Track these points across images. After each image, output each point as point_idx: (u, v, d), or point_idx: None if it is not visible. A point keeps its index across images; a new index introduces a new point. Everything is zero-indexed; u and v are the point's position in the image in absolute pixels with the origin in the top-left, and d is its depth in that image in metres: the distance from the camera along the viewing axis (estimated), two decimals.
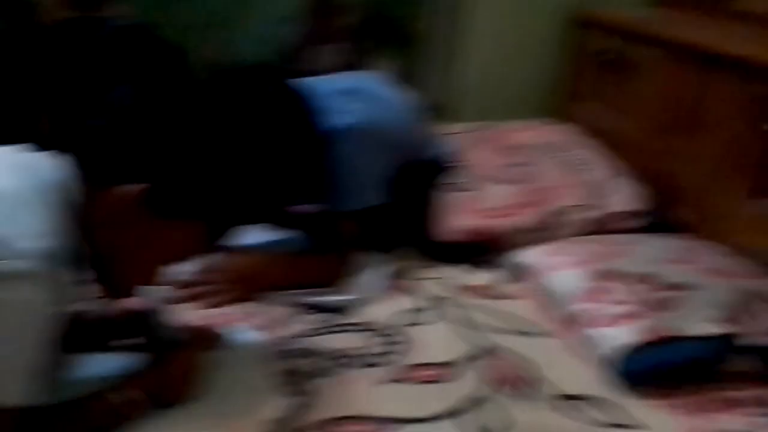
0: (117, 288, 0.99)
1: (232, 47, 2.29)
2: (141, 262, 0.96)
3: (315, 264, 1.42)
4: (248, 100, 1.20)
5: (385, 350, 1.23)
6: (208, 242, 1.02)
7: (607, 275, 1.35)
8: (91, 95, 1.33)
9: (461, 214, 1.61)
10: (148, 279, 1.00)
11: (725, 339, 1.18)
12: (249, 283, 1.36)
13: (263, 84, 1.23)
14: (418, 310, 1.37)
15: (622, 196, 1.67)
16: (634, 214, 1.63)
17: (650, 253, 1.45)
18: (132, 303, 1.11)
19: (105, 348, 1.11)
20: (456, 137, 1.94)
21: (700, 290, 1.27)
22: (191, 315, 1.27)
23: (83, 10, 2.11)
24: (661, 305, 1.25)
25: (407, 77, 2.31)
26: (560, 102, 2.31)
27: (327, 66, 2.30)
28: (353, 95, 1.43)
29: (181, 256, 1.02)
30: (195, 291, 1.34)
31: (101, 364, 1.06)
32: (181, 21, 2.25)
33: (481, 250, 1.57)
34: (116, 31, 1.45)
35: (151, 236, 0.95)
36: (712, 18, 1.84)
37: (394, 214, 1.52)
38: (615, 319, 1.25)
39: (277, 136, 1.20)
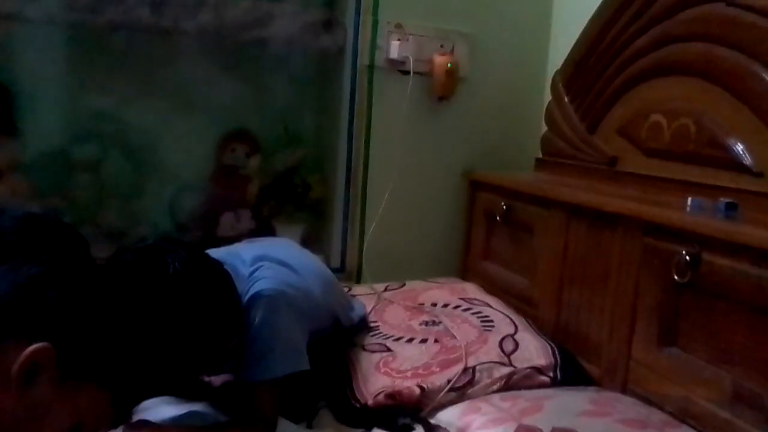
0: None
1: (135, 215, 2.27)
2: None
3: None
4: (164, 273, 1.20)
5: None
6: (116, 410, 0.96)
7: None
8: None
9: (376, 376, 1.60)
10: None
11: None
12: None
13: (179, 256, 1.23)
14: None
15: (530, 351, 1.71)
16: (543, 369, 1.66)
17: (564, 406, 1.46)
18: None
19: None
20: (365, 298, 1.96)
21: None
22: None
23: None
24: None
25: (312, 241, 2.35)
26: (462, 259, 2.39)
27: (231, 232, 2.32)
28: (264, 261, 1.44)
29: (86, 426, 0.95)
30: None
31: None
32: (81, 190, 2.23)
33: (399, 412, 1.54)
34: (13, 222, 1.42)
35: (53, 401, 0.88)
36: (592, 179, 1.98)
37: (310, 380, 1.49)
38: None
39: (194, 308, 1.21)
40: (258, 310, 1.36)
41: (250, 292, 1.37)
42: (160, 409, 1.48)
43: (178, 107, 2.33)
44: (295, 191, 2.42)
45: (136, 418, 1.43)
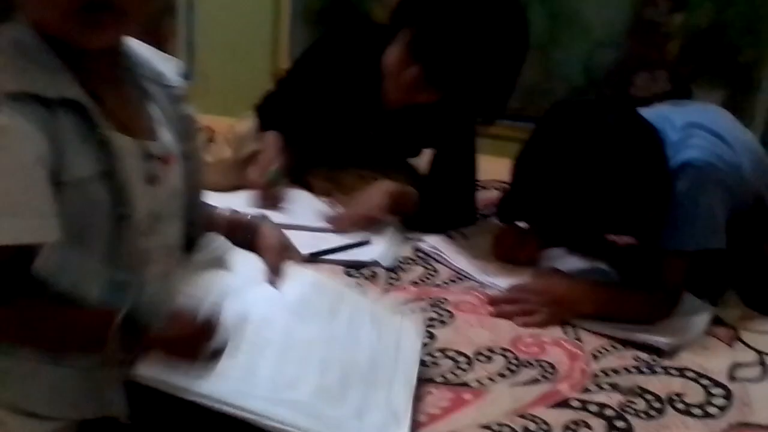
0: None
1: (550, 69, 2.30)
2: None
3: (635, 298, 1.38)
4: (600, 128, 1.24)
5: (706, 401, 1.17)
6: None
7: None
8: None
9: None
10: None
11: None
12: (564, 308, 1.36)
13: (615, 115, 1.25)
14: (744, 364, 1.27)
15: None
16: None
17: None
18: None
19: None
20: None
21: None
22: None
23: None
24: None
25: (732, 109, 2.16)
26: None
27: (645, 93, 2.24)
28: (696, 129, 1.38)
29: None
30: (508, 308, 1.37)
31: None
32: None
33: None
34: None
35: None
36: None
37: (723, 259, 1.43)
38: None
39: (625, 167, 1.23)
40: (685, 179, 1.33)
41: (679, 159, 1.34)
42: (566, 259, 1.56)
43: None
44: (721, 53, 2.23)
45: (544, 265, 1.53)
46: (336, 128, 1.76)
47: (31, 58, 0.82)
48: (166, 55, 1.02)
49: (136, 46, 0.94)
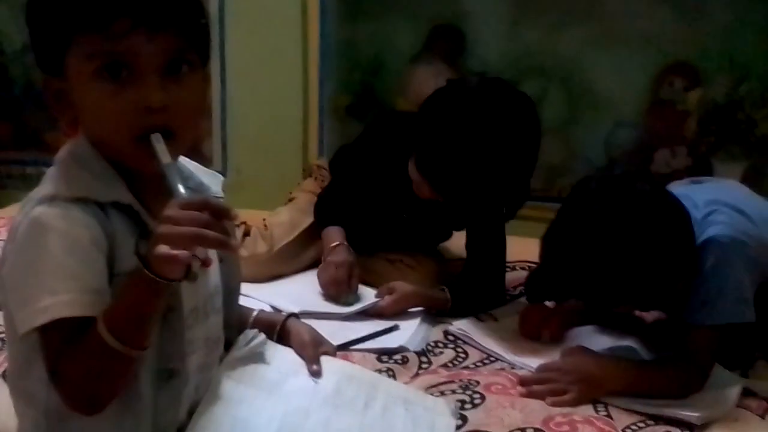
0: None
1: (570, 150, 2.36)
2: None
3: (665, 374, 1.39)
4: (624, 204, 1.30)
5: None
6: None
7: None
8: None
9: None
10: None
11: None
12: (594, 386, 1.37)
13: (644, 188, 1.31)
14: None
15: None
16: None
17: None
18: None
19: None
20: None
21: None
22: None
23: None
24: None
25: (753, 181, 2.20)
26: None
27: (666, 169, 2.29)
28: (718, 206, 1.42)
29: None
30: (539, 388, 1.39)
31: None
32: None
33: None
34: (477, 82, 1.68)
35: None
36: None
37: (752, 329, 1.44)
38: None
39: (654, 241, 1.28)
40: (711, 255, 1.36)
41: (704, 236, 1.37)
42: (594, 337, 1.58)
43: (612, 39, 2.33)
44: (738, 127, 2.28)
45: (572, 344, 1.55)
46: (377, 215, 1.87)
47: (87, 167, 0.91)
48: (209, 170, 1.09)
49: (181, 160, 1.02)
